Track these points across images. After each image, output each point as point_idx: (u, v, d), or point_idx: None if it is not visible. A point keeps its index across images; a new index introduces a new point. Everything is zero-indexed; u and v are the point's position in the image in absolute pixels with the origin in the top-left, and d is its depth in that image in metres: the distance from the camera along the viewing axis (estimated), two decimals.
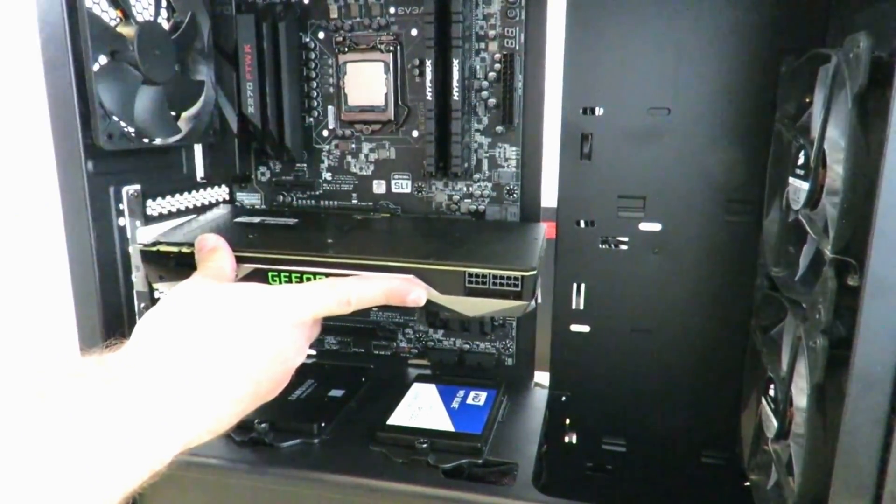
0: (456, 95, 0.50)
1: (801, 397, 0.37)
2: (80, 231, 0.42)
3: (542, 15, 0.52)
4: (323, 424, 0.47)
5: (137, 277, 0.47)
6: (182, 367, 0.31)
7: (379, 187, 0.59)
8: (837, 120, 0.35)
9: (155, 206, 0.49)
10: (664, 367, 0.56)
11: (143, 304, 0.48)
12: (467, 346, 0.60)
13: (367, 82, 0.55)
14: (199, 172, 0.57)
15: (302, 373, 0.56)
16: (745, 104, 0.49)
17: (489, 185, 0.56)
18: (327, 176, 0.60)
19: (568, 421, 0.60)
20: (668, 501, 0.58)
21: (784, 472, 0.40)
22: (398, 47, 0.54)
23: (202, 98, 0.51)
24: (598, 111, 0.53)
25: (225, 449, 0.45)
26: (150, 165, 0.50)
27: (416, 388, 0.54)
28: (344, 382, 0.55)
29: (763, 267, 0.49)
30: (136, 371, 0.30)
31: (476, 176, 0.56)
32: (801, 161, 0.40)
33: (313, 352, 0.64)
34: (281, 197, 0.61)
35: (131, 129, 0.44)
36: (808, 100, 0.42)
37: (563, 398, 0.58)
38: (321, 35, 0.56)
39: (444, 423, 0.47)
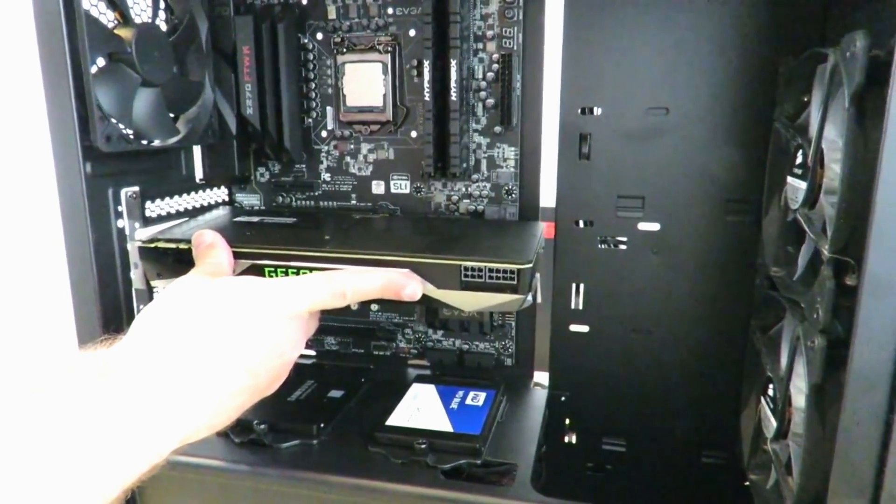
0: (454, 96, 0.50)
1: (799, 397, 0.37)
2: (78, 233, 0.42)
3: (539, 15, 0.52)
4: (322, 425, 0.47)
5: (136, 275, 0.47)
6: (177, 360, 0.31)
7: (378, 188, 0.59)
8: (835, 119, 0.35)
9: (154, 208, 0.50)
10: (664, 367, 0.56)
11: (141, 305, 0.48)
12: (467, 347, 0.60)
13: (365, 83, 0.55)
14: (198, 174, 0.57)
15: (301, 373, 0.57)
16: (744, 104, 0.49)
17: (488, 185, 0.56)
18: (326, 176, 0.60)
19: (568, 421, 0.60)
20: (667, 501, 0.58)
21: (783, 472, 0.40)
22: (396, 48, 0.54)
23: (201, 99, 0.51)
24: (597, 111, 0.53)
25: (224, 450, 0.45)
26: (149, 167, 0.50)
27: (416, 388, 0.54)
28: (343, 383, 0.55)
29: (762, 266, 0.49)
30: (132, 365, 0.30)
31: (475, 176, 0.56)
32: (799, 160, 0.40)
33: (313, 352, 0.64)
34: (280, 198, 0.61)
35: (130, 131, 0.44)
36: (806, 99, 0.42)
37: (563, 398, 0.58)
38: (319, 36, 0.56)
39: (443, 423, 0.47)
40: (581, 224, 0.55)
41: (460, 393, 0.52)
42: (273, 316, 0.35)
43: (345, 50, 0.56)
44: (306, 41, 0.56)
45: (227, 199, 0.61)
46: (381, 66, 0.55)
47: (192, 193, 0.55)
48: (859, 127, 0.32)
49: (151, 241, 0.45)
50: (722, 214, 0.51)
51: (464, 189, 0.57)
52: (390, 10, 0.54)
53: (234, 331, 0.34)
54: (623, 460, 0.58)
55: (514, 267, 0.40)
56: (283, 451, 0.45)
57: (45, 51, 0.39)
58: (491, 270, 0.40)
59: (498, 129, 0.54)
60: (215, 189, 0.59)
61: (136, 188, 0.47)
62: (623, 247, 0.54)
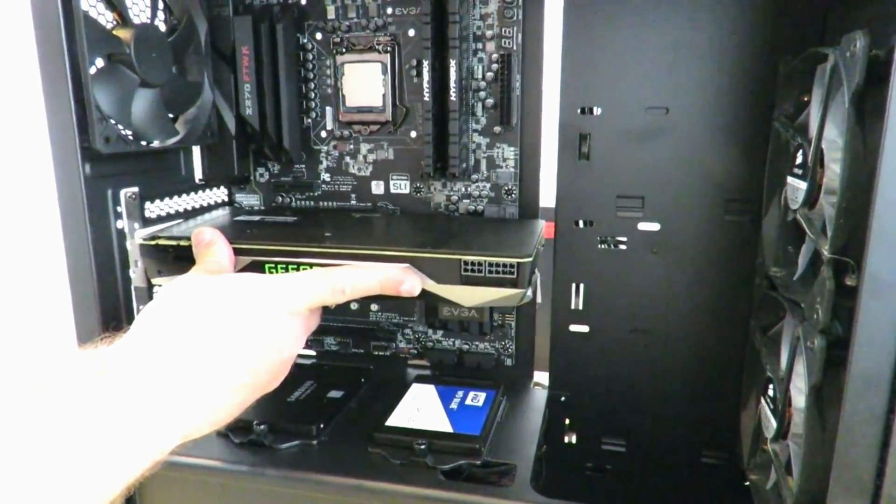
0: (453, 96, 0.50)
1: (799, 397, 0.37)
2: (77, 233, 0.42)
3: (539, 15, 0.51)
4: (321, 426, 0.47)
5: (136, 273, 0.47)
6: (177, 356, 0.31)
7: (377, 188, 0.59)
8: (835, 119, 0.35)
9: (153, 208, 0.50)
10: (663, 367, 0.56)
11: (141, 305, 0.48)
12: (466, 347, 0.60)
13: (364, 83, 0.55)
14: (198, 174, 0.57)
15: (301, 374, 0.57)
16: (744, 103, 0.49)
17: (487, 185, 0.56)
18: (326, 177, 0.60)
19: (568, 421, 0.60)
20: (667, 501, 0.58)
21: (783, 473, 0.40)
22: (396, 48, 0.54)
23: (199, 100, 0.51)
24: (596, 111, 0.52)
25: (223, 451, 0.45)
26: (148, 167, 0.50)
27: (415, 388, 0.54)
28: (343, 383, 0.55)
29: (762, 266, 0.48)
30: (132, 361, 0.30)
31: (474, 176, 0.56)
32: (799, 160, 0.40)
33: (313, 352, 0.64)
34: (280, 198, 0.61)
35: (128, 132, 0.44)
36: (806, 98, 0.42)
37: (563, 398, 0.58)
38: (318, 36, 0.56)
39: (442, 424, 0.47)
40: (581, 224, 0.55)
41: (460, 393, 0.52)
42: (272, 312, 0.35)
43: (344, 50, 0.56)
44: (305, 41, 0.56)
45: (226, 199, 0.61)
46: (381, 66, 0.55)
47: (192, 194, 0.55)
48: (859, 127, 0.32)
49: (152, 238, 0.45)
50: (722, 214, 0.51)
51: (463, 189, 0.56)
52: (389, 10, 0.54)
53: (233, 327, 0.34)
54: (623, 460, 0.58)
55: (514, 260, 0.40)
56: (283, 452, 0.45)
57: (44, 52, 0.39)
58: (491, 264, 0.40)
59: (497, 129, 0.54)
60: (215, 189, 0.59)
61: (136, 189, 0.47)
62: (623, 247, 0.54)
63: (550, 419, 0.58)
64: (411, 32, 0.53)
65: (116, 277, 0.46)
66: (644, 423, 0.57)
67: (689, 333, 0.54)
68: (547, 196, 0.55)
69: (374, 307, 0.62)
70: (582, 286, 0.56)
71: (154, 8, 0.47)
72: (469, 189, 0.56)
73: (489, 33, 0.52)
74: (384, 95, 0.55)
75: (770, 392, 0.43)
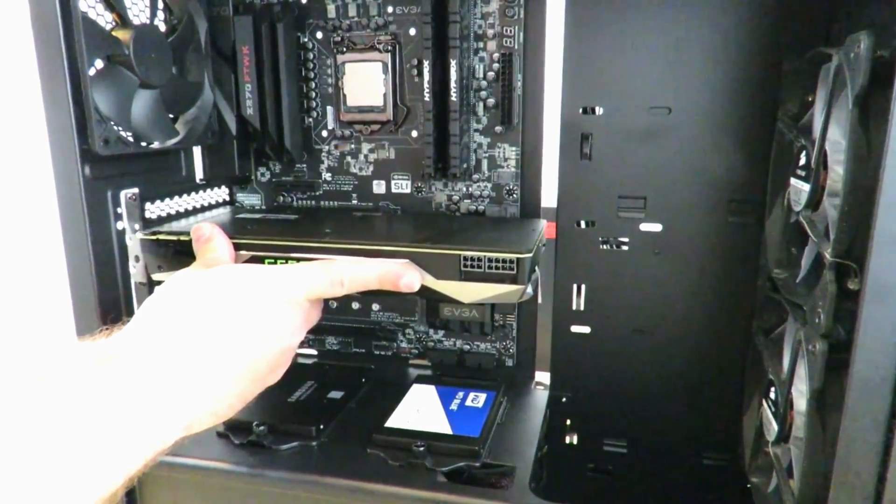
0: (454, 96, 0.50)
1: (801, 400, 0.37)
2: (77, 235, 0.42)
3: (541, 13, 0.51)
4: (321, 427, 0.47)
5: (137, 268, 0.47)
6: (175, 344, 0.31)
7: (379, 187, 0.58)
8: (839, 120, 0.34)
9: (154, 209, 0.50)
10: (665, 369, 0.55)
11: (141, 303, 0.48)
12: (468, 347, 0.60)
13: (365, 82, 0.55)
14: (199, 174, 0.57)
15: (302, 374, 0.57)
16: (747, 103, 0.49)
17: (489, 185, 0.56)
18: (327, 176, 0.59)
19: (569, 422, 0.59)
20: (669, 503, 0.58)
21: (784, 476, 0.40)
22: (396, 47, 0.54)
23: (200, 100, 0.51)
24: (598, 111, 0.52)
25: (223, 451, 0.45)
26: (149, 168, 0.50)
27: (416, 389, 0.54)
28: (344, 384, 0.55)
29: (765, 268, 0.48)
30: (130, 351, 0.30)
31: (475, 176, 0.56)
32: (802, 162, 0.39)
33: (314, 352, 0.64)
34: (281, 197, 0.61)
35: (128, 133, 0.44)
36: (809, 99, 0.42)
37: (564, 399, 0.58)
38: (319, 35, 0.56)
39: (442, 425, 0.47)
40: (582, 224, 0.55)
41: (460, 394, 0.52)
42: (270, 301, 0.35)
43: (345, 49, 0.55)
44: (306, 40, 0.56)
45: (228, 199, 0.61)
46: (382, 66, 0.54)
47: (193, 194, 0.55)
48: (863, 128, 0.31)
49: (153, 232, 0.45)
50: (724, 215, 0.51)
51: (465, 189, 0.56)
52: (390, 9, 0.53)
53: (231, 315, 0.34)
54: (624, 462, 0.58)
55: (514, 256, 0.40)
56: (283, 453, 0.45)
57: (43, 53, 0.39)
58: (490, 260, 0.40)
59: (499, 128, 0.54)
60: (216, 189, 0.59)
61: (136, 190, 0.47)
62: (625, 247, 0.54)
63: (552, 420, 0.58)
64: (412, 32, 0.53)
65: (117, 278, 0.46)
66: (645, 424, 0.57)
67: (691, 335, 0.54)
68: (548, 196, 0.55)
69: (375, 307, 0.61)
70: (583, 287, 0.56)
71: (154, 8, 0.47)
72: (470, 189, 0.56)
73: (490, 32, 0.52)
74: (385, 95, 0.55)
75: (772, 395, 0.42)
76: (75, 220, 0.42)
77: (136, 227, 0.47)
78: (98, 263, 0.43)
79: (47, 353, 0.29)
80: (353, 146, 0.58)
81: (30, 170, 0.94)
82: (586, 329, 0.57)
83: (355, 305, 0.61)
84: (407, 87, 0.55)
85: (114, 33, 0.42)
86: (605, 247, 0.54)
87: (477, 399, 0.51)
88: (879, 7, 0.33)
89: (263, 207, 0.61)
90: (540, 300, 0.59)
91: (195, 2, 0.49)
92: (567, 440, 0.60)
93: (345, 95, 0.56)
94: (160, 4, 0.48)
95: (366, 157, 0.58)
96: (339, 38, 0.55)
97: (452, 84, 0.50)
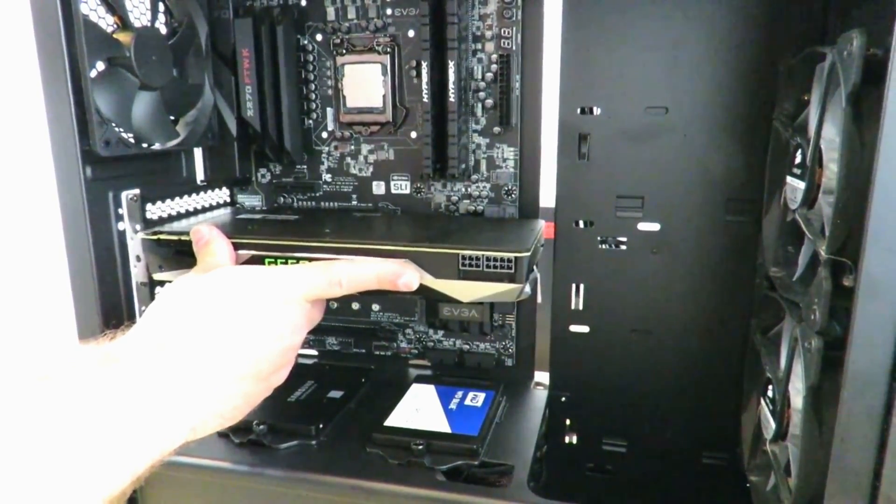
0: (452, 97, 0.50)
1: (798, 398, 0.37)
2: (78, 236, 0.42)
3: (538, 15, 0.51)
4: (321, 426, 0.48)
5: (138, 268, 0.47)
6: (176, 346, 0.32)
7: (378, 188, 0.59)
8: (834, 118, 0.34)
9: (155, 210, 0.50)
10: (664, 368, 0.55)
11: (143, 306, 0.48)
12: (467, 347, 0.60)
13: (364, 84, 0.56)
14: (199, 175, 0.57)
15: (302, 374, 0.57)
16: (744, 102, 0.49)
17: (487, 185, 0.56)
18: (327, 177, 0.60)
19: (568, 421, 0.59)
20: (668, 502, 0.58)
21: (782, 474, 0.40)
22: (395, 49, 0.54)
23: (200, 102, 0.51)
24: (596, 111, 0.52)
25: (223, 450, 0.46)
26: (150, 170, 0.50)
27: (415, 389, 0.54)
28: (343, 383, 0.55)
29: (762, 267, 0.48)
30: (132, 353, 0.31)
31: (474, 177, 0.56)
32: (798, 160, 0.39)
33: (314, 352, 0.64)
34: (282, 198, 0.62)
35: (129, 135, 0.45)
36: (805, 98, 0.42)
37: (563, 399, 0.58)
38: (319, 37, 0.56)
39: (441, 424, 0.47)
40: (581, 224, 0.55)
41: (459, 393, 0.52)
42: (269, 302, 0.36)
43: (344, 51, 0.56)
44: (306, 42, 0.57)
45: (228, 200, 0.62)
46: (381, 67, 0.55)
47: (194, 195, 0.56)
48: (856, 126, 0.31)
49: (154, 232, 0.46)
50: (722, 214, 0.51)
51: (463, 189, 0.57)
52: (389, 11, 0.54)
53: (231, 317, 0.34)
54: (623, 461, 0.58)
55: (512, 255, 0.40)
56: (282, 452, 0.46)
57: (44, 55, 0.40)
58: (489, 259, 0.40)
59: (497, 129, 0.54)
60: (217, 190, 0.59)
61: (137, 191, 0.47)
62: (623, 247, 0.54)
63: (551, 419, 0.58)
64: (411, 33, 0.53)
65: (118, 279, 0.46)
66: (645, 423, 0.57)
67: (689, 334, 0.54)
68: (547, 196, 0.55)
69: (375, 307, 0.62)
70: (582, 286, 0.56)
71: (154, 11, 0.48)
72: (469, 189, 0.56)
73: (488, 34, 0.52)
74: (384, 96, 0.55)
75: (769, 393, 0.43)
76: (76, 221, 0.42)
77: (138, 227, 0.47)
78: (99, 264, 0.44)
79: (50, 353, 0.29)
80: (352, 147, 0.58)
81: (31, 171, 0.95)
82: (585, 328, 0.57)
83: (355, 306, 0.61)
84: (406, 88, 0.55)
85: (115, 36, 0.43)
86: (603, 246, 0.55)
87: (476, 398, 0.52)
88: (872, 5, 0.33)
89: (264, 208, 0.62)
90: (539, 300, 0.59)
91: (196, 5, 0.50)
92: (566, 439, 0.60)
93: (344, 97, 0.56)
94: (161, 7, 0.48)
95: (365, 158, 0.58)
96: (338, 40, 0.56)
97: (451, 85, 0.50)
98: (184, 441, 0.31)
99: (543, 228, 0.51)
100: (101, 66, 0.42)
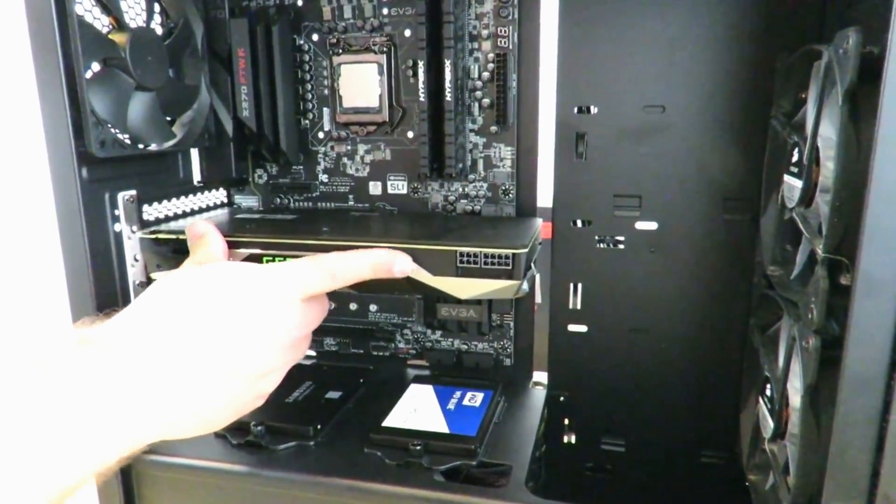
0: (449, 96, 0.50)
1: (796, 397, 0.37)
2: (74, 237, 0.42)
3: (535, 13, 0.51)
4: (319, 427, 0.47)
5: (136, 268, 0.47)
6: (160, 333, 0.31)
7: (375, 188, 0.59)
8: (830, 116, 0.34)
9: (151, 211, 0.50)
10: (663, 367, 0.55)
11: None
12: (465, 347, 0.60)
13: (361, 84, 0.55)
14: (196, 176, 0.57)
15: (300, 374, 0.57)
16: (741, 101, 0.49)
17: (485, 185, 0.56)
18: (324, 178, 0.60)
19: (567, 421, 0.59)
20: (667, 502, 0.58)
21: (781, 473, 0.40)
22: (392, 48, 0.54)
23: (196, 103, 0.51)
24: (593, 110, 0.52)
25: (221, 451, 0.46)
26: (146, 170, 0.50)
27: (413, 389, 0.54)
28: (341, 384, 0.55)
29: (760, 266, 0.48)
30: (114, 337, 0.30)
31: (471, 176, 0.56)
32: (795, 158, 0.39)
33: (313, 353, 0.64)
34: (278, 199, 0.61)
35: (125, 136, 0.44)
36: (803, 96, 0.42)
37: (562, 398, 0.58)
38: (315, 37, 0.56)
39: (439, 424, 0.47)
40: (578, 224, 0.55)
41: (458, 393, 0.52)
42: (263, 297, 0.35)
43: (340, 51, 0.56)
44: (302, 42, 0.57)
45: (225, 201, 0.62)
46: (377, 67, 0.55)
47: (191, 196, 0.55)
48: (852, 124, 0.31)
49: (152, 231, 0.46)
50: (720, 213, 0.51)
51: (461, 189, 0.56)
52: (385, 11, 0.54)
53: (221, 308, 0.33)
54: (622, 460, 0.58)
55: (509, 252, 0.40)
56: (280, 453, 0.45)
57: (39, 56, 0.39)
58: (486, 256, 0.40)
59: (494, 128, 0.54)
60: (214, 191, 0.59)
61: (133, 192, 0.47)
62: (621, 246, 0.54)
63: (549, 419, 0.58)
64: (407, 33, 0.53)
65: (114, 280, 0.46)
66: (643, 422, 0.57)
67: (688, 333, 0.54)
68: (544, 196, 0.55)
69: (373, 307, 0.61)
70: (580, 286, 0.56)
71: (150, 11, 0.47)
72: (466, 189, 0.56)
73: (485, 33, 0.52)
74: (381, 96, 0.55)
75: (768, 392, 0.42)
76: (72, 222, 0.42)
77: (134, 228, 0.47)
78: (95, 265, 0.43)
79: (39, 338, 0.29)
80: (349, 147, 0.58)
81: (27, 172, 0.95)
82: (583, 328, 0.57)
83: (353, 306, 0.61)
84: (402, 88, 0.55)
85: (110, 36, 0.43)
86: (601, 245, 0.54)
87: (474, 398, 0.52)
88: (868, 3, 0.33)
89: (261, 209, 0.62)
90: (539, 300, 0.59)
91: (191, 5, 0.50)
92: (565, 439, 0.60)
93: (340, 97, 0.56)
94: (156, 8, 0.48)
95: (362, 158, 0.58)
96: (334, 40, 0.56)
97: (447, 84, 0.50)
98: (160, 437, 0.30)
99: (540, 226, 0.51)
100: (96, 66, 0.42)
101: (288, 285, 0.36)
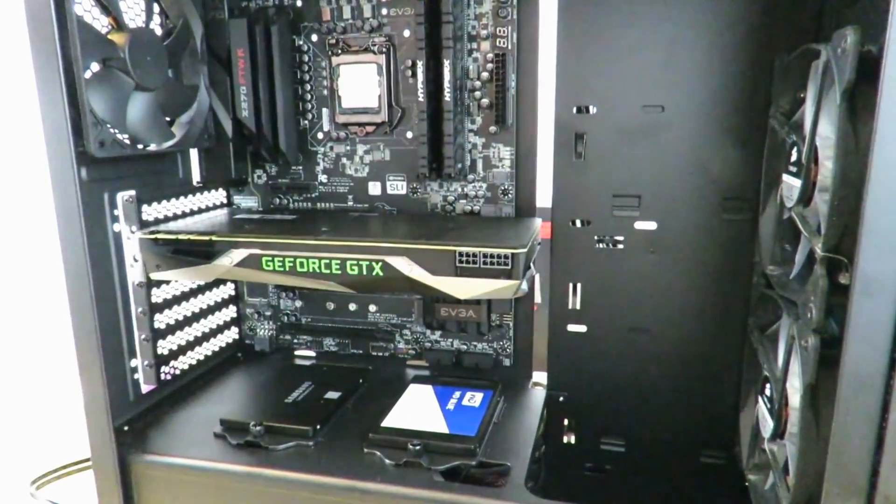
0: (448, 96, 0.50)
1: (796, 397, 0.37)
2: (74, 237, 0.42)
3: (534, 14, 0.51)
4: (318, 427, 0.47)
5: (135, 268, 0.47)
6: None
7: (374, 189, 0.59)
8: (829, 116, 0.34)
9: (151, 211, 0.50)
10: (662, 367, 0.55)
11: (140, 309, 0.48)
12: (465, 347, 0.60)
13: (360, 84, 0.56)
14: (196, 177, 0.57)
15: (299, 375, 0.57)
16: (740, 100, 0.49)
17: (484, 185, 0.56)
18: (323, 178, 0.60)
19: (566, 421, 0.59)
20: (667, 502, 0.58)
21: (780, 473, 0.40)
22: (391, 49, 0.54)
23: (196, 103, 0.51)
24: (592, 110, 0.52)
25: (220, 452, 0.45)
26: (145, 171, 0.50)
27: (413, 389, 0.54)
28: (341, 384, 0.55)
29: (759, 265, 0.48)
30: None
31: (470, 176, 0.56)
32: (794, 158, 0.39)
33: (312, 353, 0.64)
34: (278, 199, 0.62)
35: (124, 136, 0.44)
36: (801, 95, 0.42)
37: (561, 398, 0.58)
38: (314, 38, 0.56)
39: (438, 424, 0.47)
40: (578, 224, 0.55)
41: (457, 393, 0.52)
42: None
43: (339, 51, 0.56)
44: (301, 43, 0.57)
45: (225, 201, 0.62)
46: (376, 67, 0.55)
47: (190, 196, 0.55)
48: (851, 123, 0.31)
49: (152, 232, 0.46)
50: (719, 212, 0.51)
51: (460, 189, 0.56)
52: (384, 11, 0.54)
53: None
54: (622, 460, 0.58)
55: (508, 251, 0.40)
56: (280, 453, 0.45)
57: (38, 56, 0.39)
58: (485, 256, 0.40)
59: (493, 128, 0.54)
60: (213, 192, 0.59)
61: (133, 192, 0.47)
62: (620, 246, 0.54)
63: (549, 419, 0.58)
64: (406, 33, 0.53)
65: (114, 280, 0.46)
66: (643, 422, 0.57)
67: (687, 332, 0.54)
68: (543, 196, 0.55)
69: (372, 308, 0.62)
70: (579, 286, 0.56)
71: (149, 12, 0.47)
72: (465, 189, 0.56)
73: (484, 33, 0.52)
74: (380, 96, 0.55)
75: (767, 391, 0.42)
76: (71, 223, 0.42)
77: (134, 229, 0.47)
78: (95, 265, 0.43)
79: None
80: (348, 148, 0.58)
81: (27, 172, 0.95)
82: (582, 328, 0.57)
83: (352, 306, 0.61)
84: (401, 88, 0.55)
85: (109, 37, 0.43)
86: (600, 245, 0.54)
87: (473, 398, 0.52)
88: (866, 3, 0.33)
89: (260, 209, 0.62)
90: (538, 300, 0.59)
91: (190, 5, 0.50)
92: (565, 439, 0.60)
93: (340, 97, 0.56)
94: (156, 8, 0.48)
95: (361, 158, 0.58)
96: (333, 41, 0.56)
97: (446, 85, 0.50)
98: None
99: (539, 226, 0.51)
100: (95, 66, 0.42)
101: None
